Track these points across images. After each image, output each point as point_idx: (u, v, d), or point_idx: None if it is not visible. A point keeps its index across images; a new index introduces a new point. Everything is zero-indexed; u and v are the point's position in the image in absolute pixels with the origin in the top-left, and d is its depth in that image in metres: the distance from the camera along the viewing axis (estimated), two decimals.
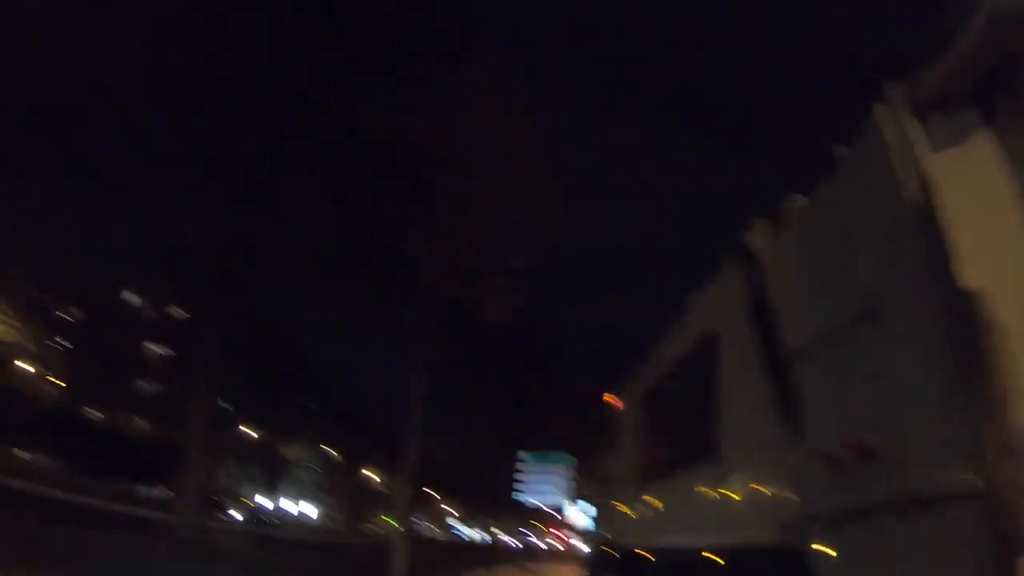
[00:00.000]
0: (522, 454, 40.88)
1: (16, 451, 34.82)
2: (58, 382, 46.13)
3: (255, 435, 53.71)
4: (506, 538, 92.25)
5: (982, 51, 3.55)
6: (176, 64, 16.18)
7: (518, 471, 40.68)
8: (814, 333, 4.17)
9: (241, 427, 50.34)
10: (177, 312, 48.24)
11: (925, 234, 3.20)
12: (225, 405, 40.84)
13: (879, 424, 3.40)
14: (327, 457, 70.54)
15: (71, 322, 48.82)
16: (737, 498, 5.46)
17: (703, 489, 6.23)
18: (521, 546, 73.25)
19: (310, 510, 70.87)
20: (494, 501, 70.49)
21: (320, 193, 17.83)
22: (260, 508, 57.31)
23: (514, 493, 41.72)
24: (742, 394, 5.44)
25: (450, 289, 17.03)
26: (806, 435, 4.21)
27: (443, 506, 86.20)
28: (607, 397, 12.20)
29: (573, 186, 18.67)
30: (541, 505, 43.93)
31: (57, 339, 45.58)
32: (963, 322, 2.93)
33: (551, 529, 78.18)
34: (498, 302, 17.34)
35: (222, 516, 37.89)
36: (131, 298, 56.57)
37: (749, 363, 5.22)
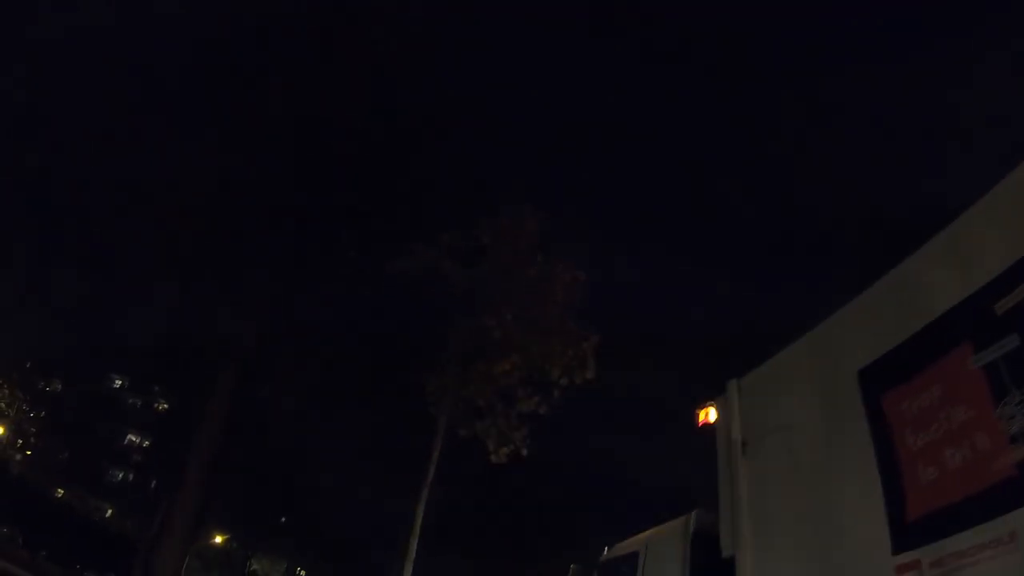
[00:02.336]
0: None
1: None
2: (28, 452, 44.37)
3: (221, 539, 50.81)
4: None
5: None
6: (205, 177, 16.70)
7: None
8: None
9: (214, 531, 47.68)
10: (163, 406, 47.33)
11: None
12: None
13: None
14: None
15: (53, 394, 47.67)
16: None
17: None
18: None
19: None
20: None
21: (341, 320, 18.25)
22: None
23: None
24: None
25: (460, 425, 16.47)
26: None
27: None
28: None
29: (595, 328, 18.55)
30: None
31: (37, 410, 44.09)
32: None
33: None
34: (505, 443, 16.58)
35: None
36: (119, 383, 55.83)
37: None
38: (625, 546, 7.86)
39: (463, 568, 39.19)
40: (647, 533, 7.51)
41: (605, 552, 8.37)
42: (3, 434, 38.47)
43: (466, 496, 25.71)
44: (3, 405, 37.79)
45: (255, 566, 57.67)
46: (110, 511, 50.45)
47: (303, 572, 65.84)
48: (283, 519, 47.80)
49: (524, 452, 16.36)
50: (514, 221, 16.20)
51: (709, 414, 6.42)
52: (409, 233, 16.41)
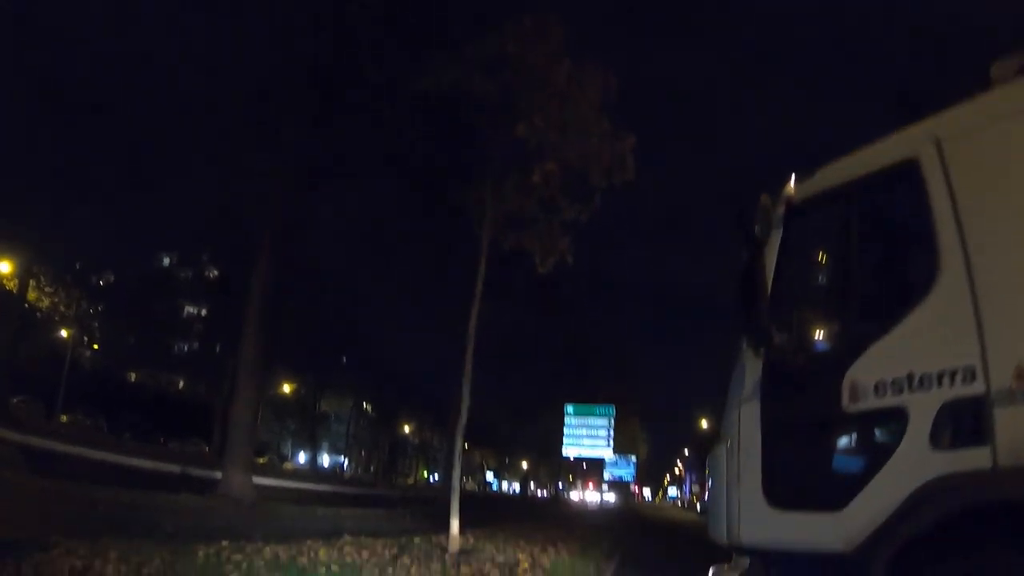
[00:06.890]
0: (568, 407, 40.81)
1: (59, 416, 35.18)
2: (95, 346, 46.38)
3: (291, 387, 54.04)
4: (539, 491, 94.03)
5: None
6: (230, 41, 16.70)
7: (565, 425, 40.67)
8: None
9: (282, 380, 50.53)
10: (214, 273, 48.50)
11: None
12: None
13: None
14: (363, 411, 70.94)
15: (108, 286, 49.02)
16: None
17: None
18: (550, 497, 73.77)
19: (344, 463, 71.78)
20: (534, 452, 70.46)
21: (377, 151, 18.14)
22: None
23: (563, 447, 41.76)
24: None
25: (503, 239, 16.40)
26: None
27: (477, 457, 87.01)
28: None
29: (634, 130, 17.95)
30: (584, 457, 44.18)
31: (96, 305, 45.43)
32: None
33: (590, 483, 78.63)
34: (550, 253, 16.52)
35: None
36: (167, 260, 57.19)
37: None
38: (866, 159, 4.05)
39: (521, 384, 41.19)
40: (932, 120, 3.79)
41: (792, 183, 4.39)
42: (70, 335, 40.09)
43: (517, 312, 26.49)
44: (63, 308, 39.02)
45: (324, 407, 61.66)
46: (182, 382, 53.52)
47: (368, 406, 70.43)
48: (344, 359, 50.11)
49: (570, 259, 16.35)
50: (538, 27, 15.16)
51: None
52: (431, 49, 15.63)
